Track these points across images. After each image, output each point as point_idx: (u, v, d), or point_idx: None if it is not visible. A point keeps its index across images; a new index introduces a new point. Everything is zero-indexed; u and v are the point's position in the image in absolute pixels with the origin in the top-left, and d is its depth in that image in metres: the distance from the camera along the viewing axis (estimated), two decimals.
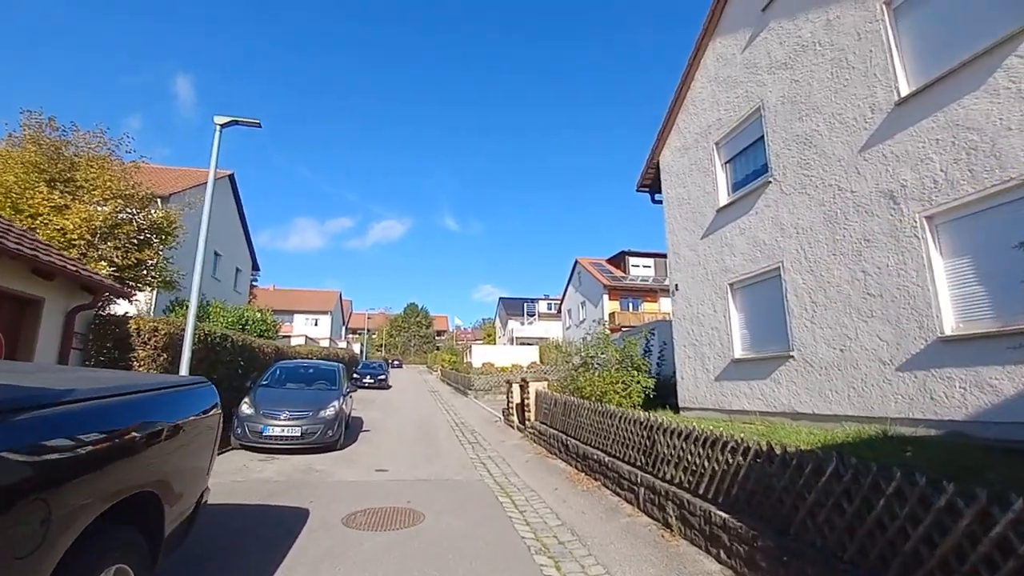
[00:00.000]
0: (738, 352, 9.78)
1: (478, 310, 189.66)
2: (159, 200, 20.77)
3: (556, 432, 9.26)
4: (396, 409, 17.87)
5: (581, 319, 42.46)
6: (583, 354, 11.82)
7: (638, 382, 10.69)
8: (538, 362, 45.79)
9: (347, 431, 11.19)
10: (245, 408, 9.06)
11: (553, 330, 65.69)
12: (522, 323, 68.48)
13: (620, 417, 6.74)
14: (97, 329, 7.03)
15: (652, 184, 13.56)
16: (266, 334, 19.00)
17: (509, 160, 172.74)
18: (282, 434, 8.77)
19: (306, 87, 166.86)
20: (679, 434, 5.28)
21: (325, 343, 46.76)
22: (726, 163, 10.61)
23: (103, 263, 13.37)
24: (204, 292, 22.29)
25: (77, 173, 13.97)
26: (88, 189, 13.94)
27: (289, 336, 39.63)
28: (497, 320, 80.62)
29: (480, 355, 47.93)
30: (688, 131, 11.80)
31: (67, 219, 12.76)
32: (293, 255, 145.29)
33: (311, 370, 11.06)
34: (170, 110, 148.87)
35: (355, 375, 27.48)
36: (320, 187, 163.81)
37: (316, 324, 66.85)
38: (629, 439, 6.34)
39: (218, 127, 8.23)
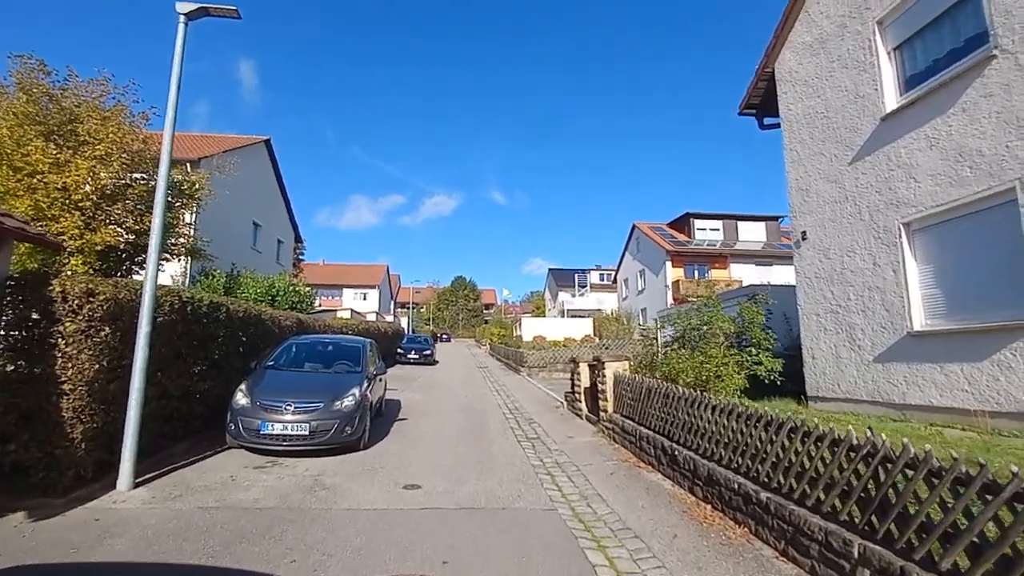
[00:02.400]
0: (920, 322, 6.73)
1: (527, 284, 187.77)
2: (188, 165, 19.36)
3: (650, 433, 6.63)
4: (440, 389, 15.75)
5: (640, 288, 39.18)
6: (681, 323, 9.00)
7: (758, 362, 7.84)
8: (592, 335, 43.01)
9: (377, 420, 9.06)
10: (240, 398, 6.97)
11: (607, 302, 62.35)
12: (573, 295, 65.57)
13: (794, 433, 4.01)
14: (12, 294, 4.96)
15: (761, 103, 10.33)
16: (299, 306, 17.27)
17: (553, 125, 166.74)
18: (285, 432, 6.62)
19: (355, 63, 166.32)
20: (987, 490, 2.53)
21: (372, 317, 45.81)
22: (896, 49, 7.33)
23: (111, 227, 11.71)
24: (243, 264, 20.93)
25: (78, 126, 12.16)
26: (92, 144, 12.12)
27: (335, 310, 38.66)
28: (547, 292, 78.02)
29: (530, 328, 45.63)
30: (826, 15, 8.48)
31: (68, 176, 11.06)
32: (348, 233, 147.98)
33: (330, 347, 8.89)
34: (234, 97, 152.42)
35: (399, 350, 25.79)
36: (372, 165, 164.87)
37: (365, 298, 66.72)
38: (823, 473, 3.63)
39: (182, 17, 5.99)
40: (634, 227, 40.94)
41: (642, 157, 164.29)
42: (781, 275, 33.28)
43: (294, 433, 6.64)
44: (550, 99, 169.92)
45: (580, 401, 10.43)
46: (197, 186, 16.31)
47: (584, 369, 10.43)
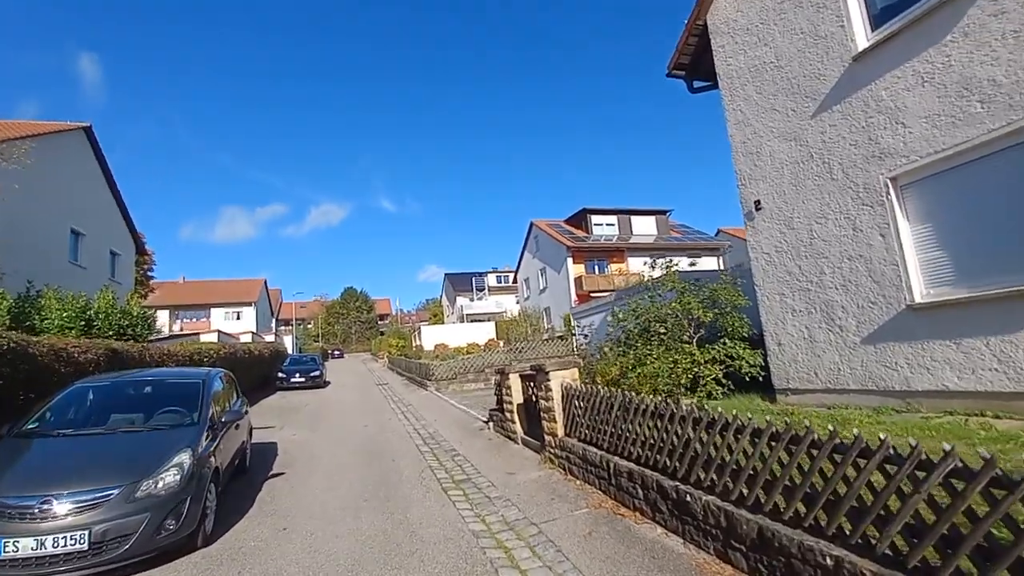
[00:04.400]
0: (922, 292, 5.70)
1: (423, 291, 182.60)
2: None
3: (633, 467, 4.80)
4: (333, 420, 12.82)
5: (542, 287, 38.38)
6: (634, 315, 7.36)
7: (735, 356, 6.43)
8: (496, 339, 41.47)
9: (236, 484, 6.28)
10: None
11: (506, 304, 61.42)
12: (471, 299, 63.84)
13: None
14: None
15: (691, 63, 9.13)
16: (131, 331, 13.20)
17: (439, 129, 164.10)
18: (44, 552, 3.76)
19: (219, 68, 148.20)
20: None
21: (247, 338, 39.92)
22: None
23: None
24: (60, 282, 15.88)
25: None
26: None
27: (197, 333, 32.74)
28: (444, 298, 75.37)
29: (431, 336, 42.90)
30: None
31: None
32: (223, 248, 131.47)
33: (147, 389, 5.87)
34: (73, 94, 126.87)
35: (279, 374, 21.86)
36: (246, 174, 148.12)
37: (238, 317, 59.19)
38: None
39: None
40: (532, 225, 40.16)
41: (534, 154, 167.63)
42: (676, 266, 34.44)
43: (62, 551, 3.79)
44: (433, 97, 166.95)
45: (513, 421, 8.42)
46: None
47: (516, 382, 8.45)
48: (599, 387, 5.68)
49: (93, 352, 7.40)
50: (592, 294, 31.72)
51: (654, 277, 8.80)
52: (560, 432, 6.59)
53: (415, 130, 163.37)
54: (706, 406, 4.36)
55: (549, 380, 6.71)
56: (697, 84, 9.42)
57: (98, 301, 13.26)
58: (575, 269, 33.96)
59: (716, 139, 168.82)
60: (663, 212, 39.02)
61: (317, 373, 22.53)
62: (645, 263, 32.06)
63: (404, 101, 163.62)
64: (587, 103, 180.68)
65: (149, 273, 38.59)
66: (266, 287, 67.02)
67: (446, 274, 72.58)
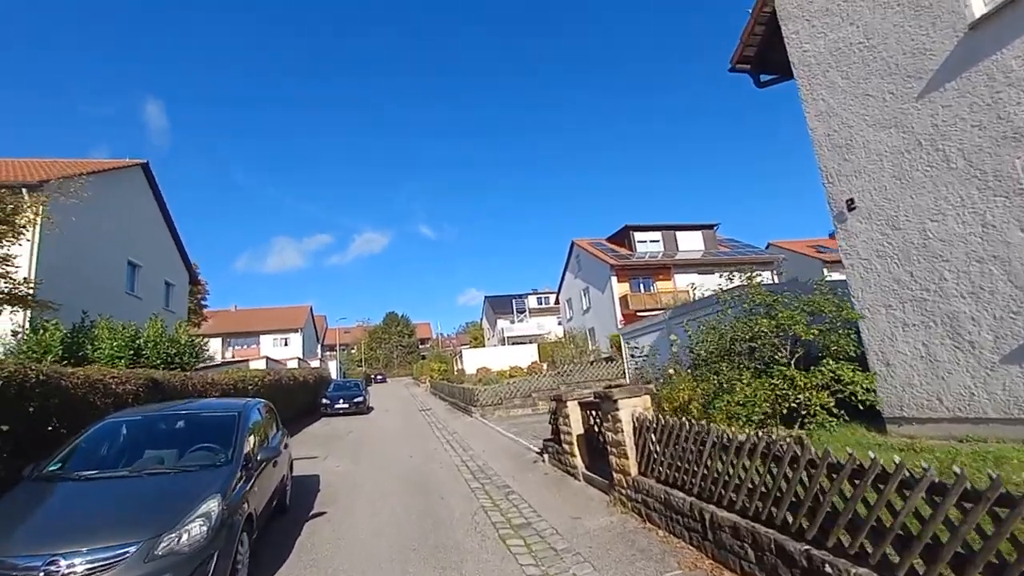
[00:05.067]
0: None
1: (462, 315, 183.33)
2: (23, 190, 14.93)
3: (747, 524, 3.89)
4: (375, 450, 12.25)
5: (585, 308, 37.31)
6: (729, 334, 6.45)
7: (848, 380, 5.42)
8: (539, 361, 40.50)
9: (274, 526, 5.71)
10: None
11: (547, 325, 60.47)
12: (512, 321, 63.25)
13: None
14: None
15: (757, 56, 8.31)
16: (178, 359, 13.17)
17: (472, 157, 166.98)
18: None
19: (257, 105, 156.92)
20: None
21: (294, 364, 40.51)
22: None
23: None
24: (117, 313, 16.28)
25: None
26: None
27: (246, 360, 33.36)
28: (484, 321, 75.09)
29: (473, 360, 42.38)
30: None
31: None
32: (274, 277, 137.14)
33: (179, 424, 5.41)
34: (141, 139, 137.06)
35: (324, 401, 21.66)
36: (293, 205, 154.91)
37: (286, 344, 60.60)
38: None
39: None
40: (573, 244, 39.35)
41: (573, 172, 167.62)
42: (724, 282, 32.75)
43: None
44: (469, 120, 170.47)
45: (572, 455, 7.56)
46: (24, 210, 12.27)
47: (575, 410, 7.62)
48: (683, 419, 4.80)
49: (133, 383, 7.09)
50: (638, 313, 30.45)
51: (726, 289, 7.83)
52: (633, 470, 5.71)
53: (452, 153, 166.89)
54: (805, 440, 3.46)
55: (618, 410, 5.86)
56: (765, 78, 8.57)
57: (147, 330, 13.33)
58: (619, 288, 32.80)
59: (764, 150, 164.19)
60: (710, 226, 37.48)
61: (360, 399, 22.21)
62: (691, 284, 30.52)
63: (440, 125, 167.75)
64: (623, 119, 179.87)
65: (202, 302, 39.97)
66: (311, 314, 68.64)
67: (486, 297, 72.45)
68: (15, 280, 11.32)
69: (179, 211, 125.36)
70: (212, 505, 4.05)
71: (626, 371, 17.34)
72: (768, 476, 3.74)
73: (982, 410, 5.38)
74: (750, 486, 3.91)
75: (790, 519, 3.49)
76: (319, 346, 72.45)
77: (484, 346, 63.04)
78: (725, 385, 6.22)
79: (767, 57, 8.26)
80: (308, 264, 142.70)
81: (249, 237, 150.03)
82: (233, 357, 47.09)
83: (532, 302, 65.51)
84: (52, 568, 3.31)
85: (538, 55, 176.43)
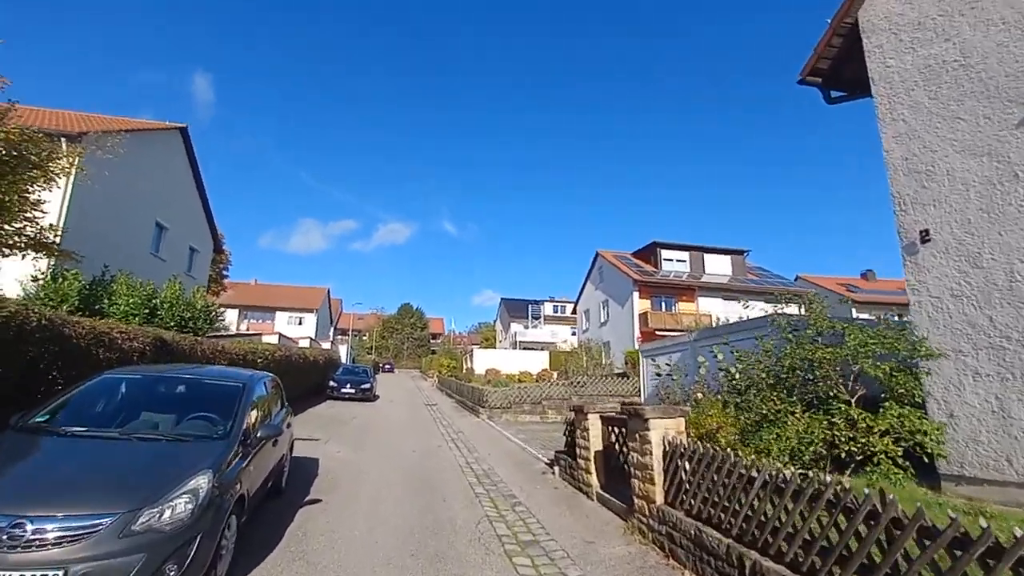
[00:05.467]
0: None
1: (477, 315, 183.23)
2: (62, 140, 14.97)
3: None
4: (379, 439, 11.88)
5: (603, 320, 36.63)
6: (785, 359, 5.94)
7: (918, 429, 4.89)
8: (549, 369, 39.94)
9: (268, 509, 5.34)
10: None
11: (560, 334, 59.86)
12: (526, 326, 62.75)
13: None
14: None
15: (830, 68, 7.75)
16: (191, 324, 13.01)
17: (503, 158, 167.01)
18: None
19: (301, 90, 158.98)
20: None
21: (305, 343, 40.60)
22: None
23: None
24: (140, 272, 16.28)
25: None
26: None
27: (259, 334, 33.46)
28: (498, 323, 74.78)
29: (483, 360, 42.00)
30: None
31: None
32: (295, 257, 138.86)
33: (180, 388, 5.07)
34: (186, 110, 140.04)
35: (331, 383, 21.46)
36: (321, 189, 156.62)
37: (300, 323, 60.98)
38: None
39: None
40: (597, 255, 38.74)
41: (600, 184, 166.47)
42: (750, 310, 31.81)
43: None
44: (497, 126, 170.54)
45: (588, 472, 7.06)
46: (59, 157, 12.18)
47: (595, 424, 7.12)
48: (728, 451, 4.28)
49: (140, 340, 6.82)
50: (657, 332, 29.72)
51: (779, 312, 7.24)
52: (658, 498, 5.19)
53: (482, 155, 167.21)
54: (891, 497, 2.93)
55: (648, 430, 5.36)
56: (836, 94, 8.00)
57: (165, 291, 13.21)
58: (640, 304, 32.09)
59: (796, 179, 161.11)
60: (740, 252, 36.56)
61: (368, 386, 21.96)
62: (712, 311, 29.58)
63: (472, 126, 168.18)
64: (658, 134, 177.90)
65: (224, 272, 40.30)
66: (328, 296, 69.08)
67: (502, 299, 72.11)
68: (41, 226, 11.26)
69: (212, 182, 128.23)
70: (202, 481, 3.67)
71: (642, 389, 16.73)
72: (834, 530, 3.21)
73: None
74: (807, 538, 3.39)
75: None
76: (332, 329, 72.87)
77: (495, 348, 62.61)
78: (771, 416, 5.67)
79: (841, 72, 7.70)
80: (331, 247, 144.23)
81: (276, 216, 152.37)
82: (248, 330, 47.42)
83: (548, 309, 64.96)
84: (17, 531, 2.95)
85: (581, 63, 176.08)
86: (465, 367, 42.78)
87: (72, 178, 15.80)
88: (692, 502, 4.68)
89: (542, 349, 48.77)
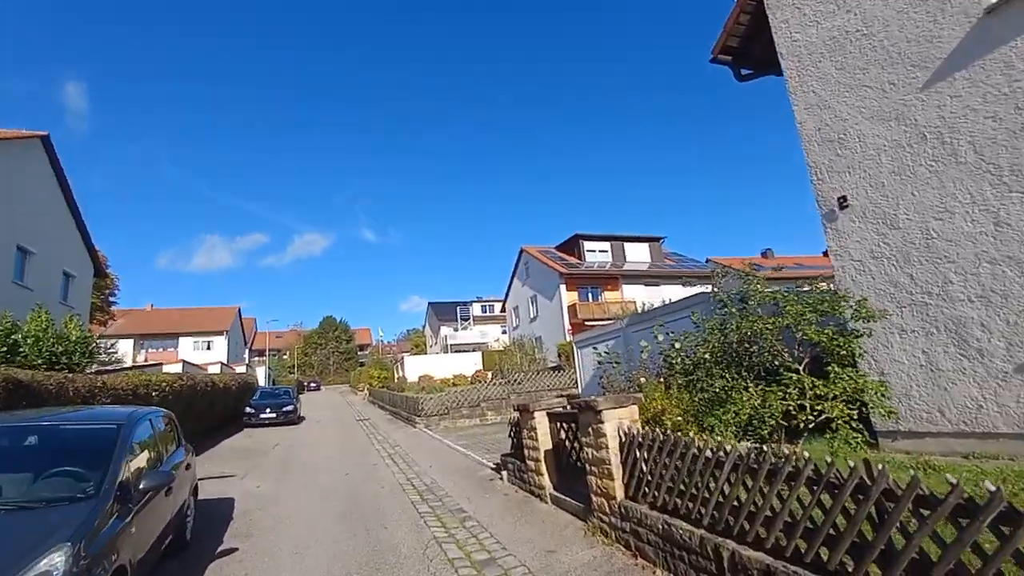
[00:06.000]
0: None
1: (405, 321, 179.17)
2: None
3: (780, 567, 3.11)
4: (306, 466, 10.76)
5: (532, 316, 36.74)
6: (733, 333, 5.83)
7: (859, 388, 4.88)
8: (483, 369, 39.43)
9: (164, 565, 4.38)
10: None
11: (491, 334, 59.50)
12: (456, 329, 61.74)
13: None
14: None
15: (740, 46, 7.89)
16: (67, 359, 11.08)
17: (421, 158, 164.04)
18: None
19: (194, 99, 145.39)
20: None
21: (215, 369, 37.13)
22: None
23: None
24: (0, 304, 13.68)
25: None
26: None
27: (160, 364, 30.04)
28: (427, 328, 73.09)
29: (415, 367, 40.54)
30: None
31: None
32: (199, 277, 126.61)
33: (30, 439, 3.96)
34: (58, 123, 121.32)
35: (248, 410, 19.54)
36: (225, 202, 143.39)
37: (209, 347, 55.94)
38: None
39: None
40: (522, 251, 38.79)
41: (520, 178, 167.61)
42: (669, 294, 33.25)
43: None
44: (414, 124, 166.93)
45: (539, 472, 6.62)
46: None
47: (542, 422, 6.69)
48: (692, 436, 4.00)
49: None
50: (586, 322, 30.18)
51: (719, 286, 7.21)
52: (618, 493, 4.85)
53: (397, 155, 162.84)
54: (883, 467, 2.75)
55: (602, 422, 5.00)
56: (746, 72, 8.16)
57: (31, 324, 11.17)
58: (568, 296, 32.49)
59: (705, 161, 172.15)
60: (657, 239, 38.13)
61: (291, 408, 20.27)
62: (636, 297, 30.54)
63: (384, 124, 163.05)
64: (578, 122, 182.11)
65: (111, 299, 35.87)
66: (239, 316, 64.00)
67: (430, 303, 70.63)
68: None
69: (96, 200, 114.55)
70: (57, 559, 2.80)
71: (579, 380, 16.70)
72: (817, 509, 2.97)
73: (991, 424, 4.99)
74: (788, 520, 3.14)
75: (851, 566, 2.73)
76: (247, 351, 67.62)
77: (426, 353, 61.06)
78: (723, 394, 5.55)
79: (751, 49, 7.86)
80: (240, 264, 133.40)
81: (174, 233, 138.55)
82: (146, 360, 42.70)
83: (477, 309, 64.46)
84: None
85: (494, 49, 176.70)
86: (397, 376, 41.17)
87: None
88: (656, 494, 4.38)
89: (474, 350, 48.13)
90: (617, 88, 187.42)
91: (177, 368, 28.56)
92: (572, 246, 36.37)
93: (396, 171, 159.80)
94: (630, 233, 37.55)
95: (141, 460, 4.31)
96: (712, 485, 3.77)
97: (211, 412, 16.03)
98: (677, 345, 8.19)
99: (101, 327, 36.86)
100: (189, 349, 53.48)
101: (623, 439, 4.93)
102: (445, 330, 61.77)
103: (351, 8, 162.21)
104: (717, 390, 5.66)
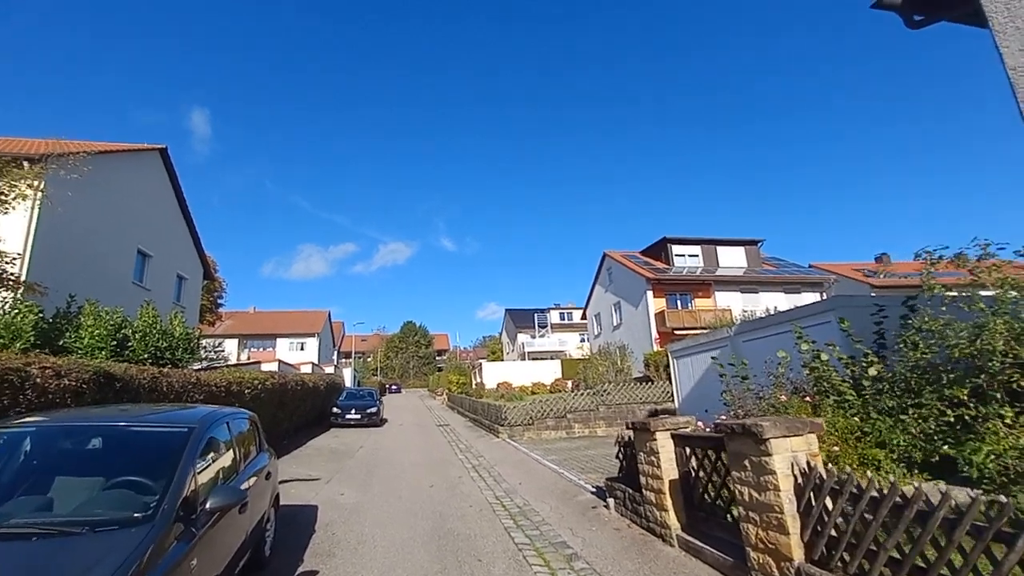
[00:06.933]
0: None
1: (481, 329, 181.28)
2: (24, 163, 13.53)
3: None
4: (389, 472, 10.24)
5: (616, 323, 35.03)
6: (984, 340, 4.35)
7: None
8: (562, 378, 38.26)
9: None
10: None
11: (569, 342, 58.17)
12: (533, 336, 61.03)
13: None
14: None
15: None
16: (170, 354, 11.44)
17: (500, 164, 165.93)
18: None
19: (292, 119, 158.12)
20: None
21: (308, 368, 38.98)
22: None
23: None
24: (123, 303, 14.72)
25: None
26: None
27: (259, 362, 31.88)
28: (504, 335, 73.08)
29: (493, 374, 40.38)
30: None
31: None
32: (297, 283, 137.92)
33: (94, 442, 3.53)
34: (185, 147, 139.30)
35: (334, 410, 19.84)
36: (318, 215, 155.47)
37: (302, 348, 59.38)
38: None
39: None
40: (605, 256, 37.22)
41: (596, 184, 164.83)
42: (768, 302, 30.18)
43: None
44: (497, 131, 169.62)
45: (660, 507, 5.44)
46: (18, 182, 10.99)
47: (666, 446, 5.51)
48: (944, 490, 2.72)
49: (75, 376, 5.25)
50: (675, 331, 28.14)
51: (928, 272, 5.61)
52: (795, 554, 3.59)
53: (476, 164, 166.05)
54: None
55: (769, 455, 3.77)
56: (918, 17, 6.52)
57: (140, 319, 11.66)
58: (656, 303, 30.52)
59: (803, 166, 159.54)
60: (753, 242, 35.04)
61: (374, 410, 20.34)
62: (731, 304, 27.89)
63: (461, 125, 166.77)
64: (664, 123, 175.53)
65: (219, 301, 38.83)
66: (329, 319, 67.54)
67: (507, 310, 70.55)
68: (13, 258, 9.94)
69: (214, 216, 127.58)
70: None
71: (675, 393, 15.08)
72: None
73: None
74: None
75: None
76: (335, 352, 71.24)
77: (503, 360, 60.86)
78: (967, 421, 4.07)
79: None
80: (332, 272, 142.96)
81: (276, 244, 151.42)
82: (249, 359, 45.82)
83: (554, 317, 63.34)
84: None
85: (561, 54, 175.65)
86: (475, 382, 41.08)
87: (37, 205, 14.51)
88: (863, 564, 3.10)
89: (552, 358, 47.13)
90: (704, 87, 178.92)
91: (274, 367, 30.09)
92: (659, 250, 34.30)
93: (473, 181, 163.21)
94: (723, 236, 34.81)
95: (213, 471, 3.73)
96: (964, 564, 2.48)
97: (301, 410, 16.25)
98: (824, 357, 6.69)
99: (210, 327, 39.99)
100: (285, 349, 57.05)
101: (800, 480, 3.67)
102: (522, 337, 61.27)
103: (444, 19, 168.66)
104: (952, 417, 4.17)
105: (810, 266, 40.12)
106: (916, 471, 5.54)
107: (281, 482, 8.84)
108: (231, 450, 4.18)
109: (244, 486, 3.99)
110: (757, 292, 32.22)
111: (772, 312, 17.91)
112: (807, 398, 6.50)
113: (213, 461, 3.79)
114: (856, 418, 5.01)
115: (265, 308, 68.22)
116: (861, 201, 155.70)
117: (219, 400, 8.99)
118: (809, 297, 31.19)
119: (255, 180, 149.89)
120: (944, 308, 4.84)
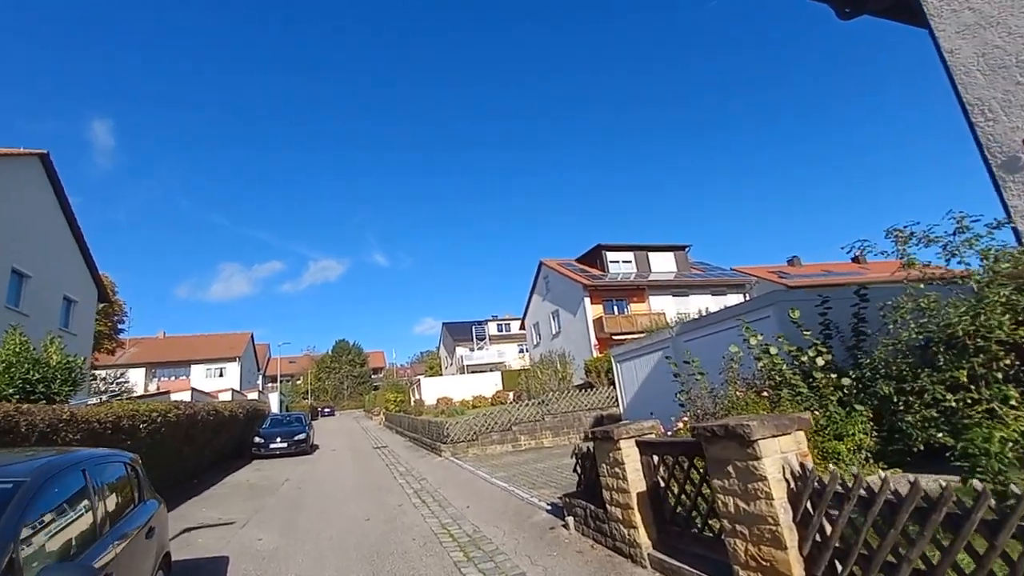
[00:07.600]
0: None
1: (418, 344, 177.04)
2: None
3: None
4: (318, 508, 9.07)
5: (554, 332, 34.95)
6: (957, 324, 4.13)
7: None
8: (503, 390, 37.59)
9: None
10: None
11: (508, 353, 57.77)
12: (472, 349, 60.06)
13: None
14: None
15: None
16: (51, 387, 9.59)
17: (432, 179, 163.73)
18: None
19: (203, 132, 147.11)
20: None
21: (227, 396, 35.73)
22: None
23: None
24: None
25: None
26: None
27: (168, 392, 28.64)
28: (442, 349, 71.46)
29: (432, 389, 38.92)
30: None
31: None
32: (219, 305, 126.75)
33: None
34: (84, 159, 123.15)
35: (256, 440, 17.97)
36: (240, 232, 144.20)
37: (221, 374, 54.77)
38: None
39: None
40: (541, 265, 37.18)
41: (532, 192, 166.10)
42: (698, 304, 31.37)
43: None
44: (425, 140, 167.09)
45: (628, 523, 4.89)
46: None
47: (631, 455, 4.99)
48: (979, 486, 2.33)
49: None
50: (614, 336, 28.42)
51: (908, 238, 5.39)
52: (794, 570, 3.14)
53: (407, 179, 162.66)
54: None
55: (757, 458, 3.31)
56: (848, 9, 6.61)
57: (3, 348, 9.74)
58: (593, 310, 30.74)
59: (727, 170, 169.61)
60: (682, 248, 36.40)
61: (302, 436, 18.64)
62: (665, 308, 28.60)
63: (396, 142, 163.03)
64: (593, 136, 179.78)
65: (120, 326, 34.74)
66: (252, 342, 62.93)
67: (444, 323, 69.12)
68: None
69: (116, 234, 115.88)
70: None
71: (620, 398, 14.85)
72: None
73: None
74: None
75: None
76: (260, 377, 66.35)
77: (442, 375, 59.30)
78: (970, 408, 3.79)
79: None
80: (257, 292, 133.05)
81: (192, 263, 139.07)
82: (158, 389, 41.44)
83: (492, 328, 62.74)
84: None
85: (483, 70, 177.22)
86: (413, 399, 39.44)
87: None
88: None
89: (491, 370, 46.32)
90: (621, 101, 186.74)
91: (186, 396, 27.13)
92: (594, 257, 34.73)
93: (404, 195, 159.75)
94: (654, 243, 35.86)
95: (56, 540, 2.72)
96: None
97: (215, 443, 14.46)
98: (773, 350, 6.54)
99: (111, 355, 35.74)
100: (202, 377, 52.29)
101: (795, 485, 3.24)
102: (461, 350, 60.07)
103: (359, 21, 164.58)
104: (953, 402, 3.91)
105: (732, 269, 42.28)
106: (875, 462, 5.40)
107: (185, 531, 7.55)
108: (89, 508, 3.15)
109: (104, 558, 2.98)
110: (688, 295, 33.33)
111: (704, 313, 18.33)
112: (764, 393, 6.28)
113: (56, 526, 2.78)
114: (812, 411, 4.77)
115: (181, 332, 62.54)
116: (774, 210, 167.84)
117: (104, 439, 7.51)
118: (734, 298, 32.65)
119: (167, 196, 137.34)
120: (923, 287, 4.72)
